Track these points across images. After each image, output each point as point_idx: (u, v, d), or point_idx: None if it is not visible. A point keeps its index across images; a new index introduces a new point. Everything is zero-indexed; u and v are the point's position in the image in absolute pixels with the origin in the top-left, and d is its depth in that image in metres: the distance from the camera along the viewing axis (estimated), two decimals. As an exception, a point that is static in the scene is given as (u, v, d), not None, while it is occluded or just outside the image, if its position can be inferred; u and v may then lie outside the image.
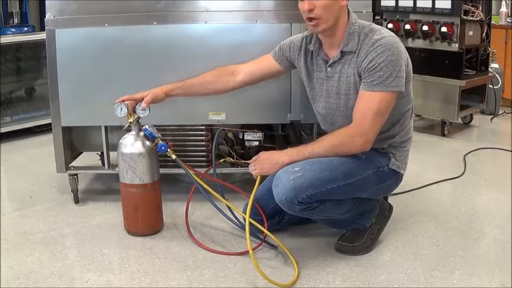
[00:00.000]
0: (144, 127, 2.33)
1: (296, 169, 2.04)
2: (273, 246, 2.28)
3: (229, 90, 2.44)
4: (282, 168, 2.09)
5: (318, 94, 2.27)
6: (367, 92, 2.06)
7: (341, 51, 2.13)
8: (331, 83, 2.20)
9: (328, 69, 2.19)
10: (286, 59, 2.35)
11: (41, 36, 3.09)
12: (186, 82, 2.39)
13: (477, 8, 3.93)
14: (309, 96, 2.33)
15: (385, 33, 2.09)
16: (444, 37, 3.82)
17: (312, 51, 2.24)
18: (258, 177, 2.21)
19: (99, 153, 2.97)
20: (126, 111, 2.31)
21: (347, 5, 2.13)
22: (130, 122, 2.33)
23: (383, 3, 4.13)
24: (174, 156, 2.32)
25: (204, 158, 2.74)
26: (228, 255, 2.24)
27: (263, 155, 2.18)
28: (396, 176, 2.25)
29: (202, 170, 2.56)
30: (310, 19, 2.08)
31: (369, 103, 2.05)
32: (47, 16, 2.56)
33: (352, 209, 2.20)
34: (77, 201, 2.79)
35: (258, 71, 2.40)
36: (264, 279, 1.98)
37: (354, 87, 2.13)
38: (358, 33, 2.11)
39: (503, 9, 5.00)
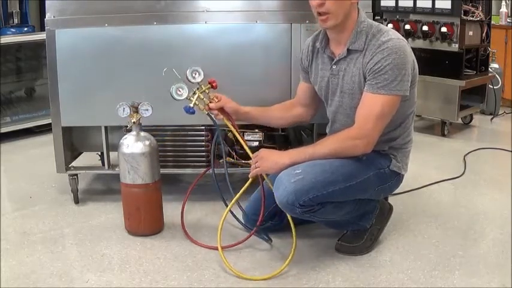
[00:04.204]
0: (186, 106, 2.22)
1: (297, 171, 2.04)
2: (266, 240, 2.30)
3: (302, 122, 2.49)
4: (282, 170, 2.09)
5: (324, 91, 2.27)
6: (371, 94, 2.05)
7: (347, 49, 2.13)
8: (335, 81, 2.20)
9: (334, 66, 2.19)
10: (306, 72, 2.36)
11: (41, 36, 3.09)
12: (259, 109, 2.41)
13: (477, 8, 3.93)
14: (318, 93, 2.33)
15: (392, 35, 2.08)
16: (444, 37, 3.82)
17: (319, 48, 2.25)
18: (250, 178, 2.22)
19: (99, 153, 2.97)
20: (129, 111, 2.31)
21: (357, 3, 2.13)
22: (133, 122, 2.33)
23: (383, 3, 4.13)
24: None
25: (204, 158, 2.74)
26: (223, 248, 2.24)
27: (263, 152, 2.17)
28: (397, 177, 2.25)
29: (202, 170, 2.57)
30: (320, 13, 2.08)
31: (372, 106, 2.05)
32: (47, 16, 2.56)
33: (353, 211, 2.20)
34: (77, 201, 2.79)
35: (307, 98, 2.40)
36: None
37: (358, 87, 2.12)
38: (366, 33, 2.10)
39: (503, 9, 5.00)
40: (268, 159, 2.13)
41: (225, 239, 2.39)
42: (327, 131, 2.39)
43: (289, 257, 2.12)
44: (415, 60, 2.15)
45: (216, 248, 2.20)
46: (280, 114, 2.43)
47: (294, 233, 2.18)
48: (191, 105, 2.19)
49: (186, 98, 2.21)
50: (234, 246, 2.29)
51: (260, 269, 2.14)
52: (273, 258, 2.22)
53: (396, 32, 2.15)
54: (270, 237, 2.33)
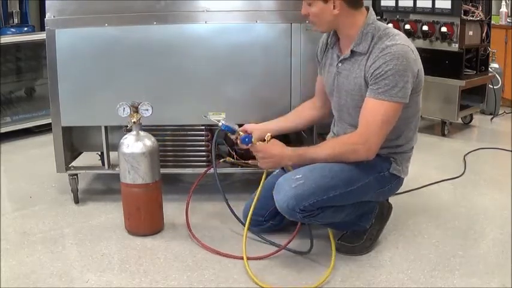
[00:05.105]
0: (220, 123, 2.23)
1: (298, 176, 2.04)
2: (300, 253, 2.25)
3: (319, 122, 2.51)
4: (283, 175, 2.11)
5: (331, 88, 2.27)
6: (373, 100, 2.04)
7: (351, 51, 2.13)
8: (340, 80, 2.20)
9: (339, 65, 2.19)
10: (321, 67, 2.36)
11: (41, 36, 3.09)
12: (284, 121, 2.45)
13: (477, 8, 3.93)
14: (326, 90, 2.34)
15: (398, 40, 2.05)
16: (444, 37, 3.82)
17: (329, 44, 2.27)
18: (265, 171, 2.23)
19: (99, 153, 2.97)
20: (129, 111, 2.31)
21: (362, 8, 2.12)
22: (134, 122, 2.33)
23: (383, 3, 4.13)
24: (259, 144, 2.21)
25: (204, 158, 2.74)
26: (230, 257, 2.23)
27: (265, 148, 2.14)
28: (397, 180, 2.24)
29: (202, 170, 2.56)
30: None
31: (374, 112, 2.04)
32: (47, 16, 2.56)
33: (352, 213, 2.20)
34: (77, 201, 2.79)
35: (324, 95, 2.40)
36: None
37: (358, 89, 2.12)
38: (372, 35, 2.09)
39: (503, 9, 5.00)
40: (269, 158, 2.13)
41: (226, 241, 2.39)
42: (332, 129, 2.40)
43: (330, 268, 2.10)
44: (421, 69, 2.12)
45: (241, 258, 2.18)
46: (299, 118, 2.45)
47: (333, 246, 2.17)
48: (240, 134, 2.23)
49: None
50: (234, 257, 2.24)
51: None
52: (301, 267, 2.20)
53: (405, 36, 2.11)
54: (313, 242, 2.24)
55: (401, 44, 2.05)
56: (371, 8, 2.17)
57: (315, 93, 2.46)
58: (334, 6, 2.07)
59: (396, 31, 2.13)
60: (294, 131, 2.52)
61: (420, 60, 2.13)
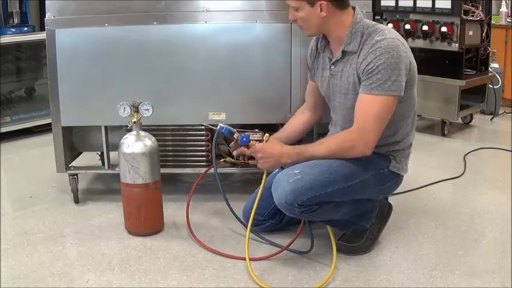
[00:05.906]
0: (219, 126, 2.26)
1: (296, 171, 2.04)
2: (301, 253, 2.25)
3: (311, 127, 2.52)
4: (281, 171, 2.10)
5: (326, 92, 2.27)
6: (366, 95, 2.05)
7: (342, 51, 2.13)
8: (334, 82, 2.20)
9: (332, 67, 2.19)
10: (311, 71, 2.36)
11: (41, 36, 3.08)
12: (284, 134, 2.43)
13: (477, 8, 3.94)
14: (323, 96, 2.34)
15: (387, 34, 2.06)
16: (444, 37, 3.82)
17: (319, 49, 2.26)
18: (265, 171, 2.22)
19: (99, 153, 2.97)
20: (129, 111, 2.31)
21: (348, 7, 2.13)
22: (134, 122, 2.33)
23: (383, 3, 4.13)
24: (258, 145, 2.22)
25: (204, 158, 2.74)
26: (230, 258, 2.23)
27: (262, 148, 2.15)
28: (396, 178, 2.25)
29: (202, 170, 2.56)
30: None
31: (369, 107, 2.04)
32: (47, 16, 2.56)
33: (352, 210, 2.20)
34: (77, 201, 2.79)
35: (313, 99, 2.42)
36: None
37: (352, 88, 2.12)
38: (361, 33, 2.09)
39: (503, 9, 5.00)
40: (268, 158, 2.13)
41: (226, 241, 2.39)
42: (329, 129, 2.40)
43: (332, 268, 2.09)
44: (413, 62, 2.12)
45: (244, 259, 2.17)
46: (293, 127, 2.45)
47: (334, 247, 2.17)
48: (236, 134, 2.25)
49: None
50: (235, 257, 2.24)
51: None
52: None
53: (394, 31, 2.13)
54: (313, 242, 2.23)
55: (391, 38, 2.05)
56: (357, 7, 2.17)
57: (305, 97, 2.47)
58: (321, 9, 2.08)
59: (385, 26, 2.15)
60: (295, 140, 2.49)
61: (411, 52, 2.13)
